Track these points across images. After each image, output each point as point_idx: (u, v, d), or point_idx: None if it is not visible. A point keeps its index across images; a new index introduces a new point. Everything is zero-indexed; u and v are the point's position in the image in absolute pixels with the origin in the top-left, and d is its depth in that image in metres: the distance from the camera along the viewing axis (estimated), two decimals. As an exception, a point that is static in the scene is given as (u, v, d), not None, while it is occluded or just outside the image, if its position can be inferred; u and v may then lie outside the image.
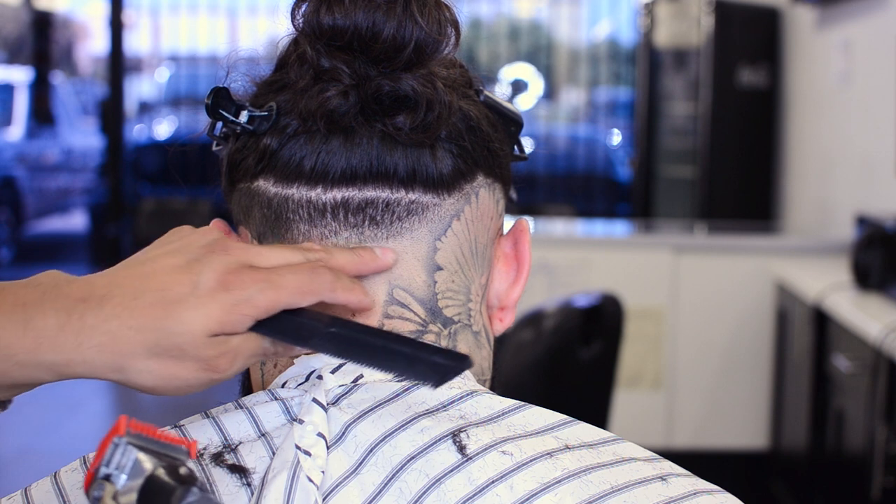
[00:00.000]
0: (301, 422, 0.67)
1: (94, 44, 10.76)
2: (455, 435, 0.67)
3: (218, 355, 0.63)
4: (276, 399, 0.70)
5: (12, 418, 4.60)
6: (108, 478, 0.56)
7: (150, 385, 0.63)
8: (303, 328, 0.65)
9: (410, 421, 0.68)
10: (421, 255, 0.73)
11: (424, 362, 0.64)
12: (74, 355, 0.62)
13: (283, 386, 0.71)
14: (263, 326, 0.64)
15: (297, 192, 0.72)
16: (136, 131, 8.14)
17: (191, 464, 0.59)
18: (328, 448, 0.67)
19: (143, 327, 0.62)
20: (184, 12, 7.85)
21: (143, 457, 0.57)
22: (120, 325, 0.62)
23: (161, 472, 0.56)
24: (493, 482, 0.65)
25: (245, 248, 0.66)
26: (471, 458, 0.66)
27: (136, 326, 0.62)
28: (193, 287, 0.63)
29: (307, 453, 0.66)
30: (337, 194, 0.71)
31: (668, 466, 0.70)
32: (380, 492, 0.66)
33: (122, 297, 0.62)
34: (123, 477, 0.56)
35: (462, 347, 0.75)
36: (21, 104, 8.77)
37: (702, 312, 3.81)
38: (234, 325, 0.63)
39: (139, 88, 8.59)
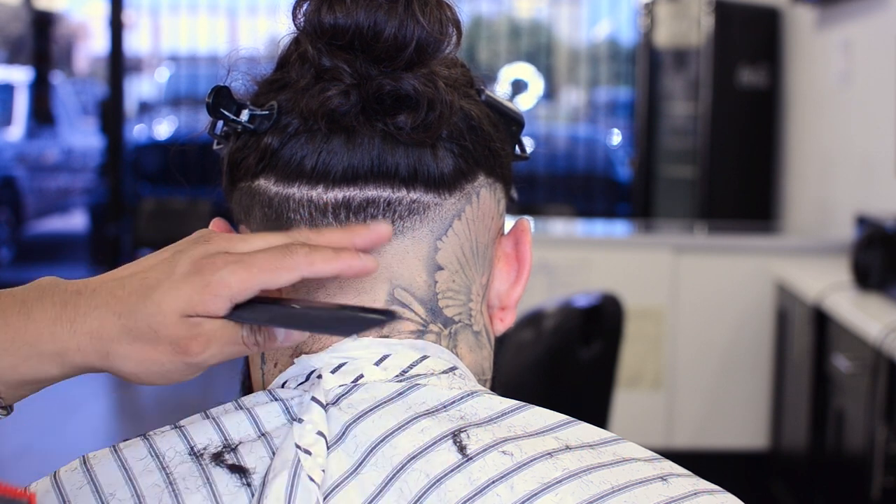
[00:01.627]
0: (300, 421, 0.67)
1: (94, 44, 10.75)
2: (455, 435, 0.67)
3: (189, 337, 0.64)
4: (275, 399, 0.70)
5: (12, 418, 4.58)
6: None
7: (131, 370, 0.65)
8: (269, 311, 0.66)
9: (411, 421, 0.68)
10: (422, 255, 0.73)
11: (361, 321, 0.66)
12: (70, 343, 0.65)
13: (282, 386, 0.71)
14: (239, 315, 0.65)
15: (298, 191, 0.72)
16: (136, 131, 8.14)
17: None
18: (328, 448, 0.67)
19: (123, 312, 0.64)
20: (184, 12, 7.85)
21: None
22: (106, 311, 0.65)
23: None
24: (493, 482, 0.65)
25: (228, 237, 0.67)
26: (471, 459, 0.66)
27: (118, 312, 0.64)
28: (170, 273, 0.65)
29: (307, 452, 0.66)
30: (338, 194, 0.71)
31: (669, 466, 0.70)
32: (380, 492, 0.66)
33: (111, 288, 0.66)
34: None
35: (462, 347, 0.75)
36: (21, 104, 8.77)
37: (702, 312, 3.81)
38: (205, 306, 0.64)
39: (139, 88, 8.58)
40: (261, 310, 0.65)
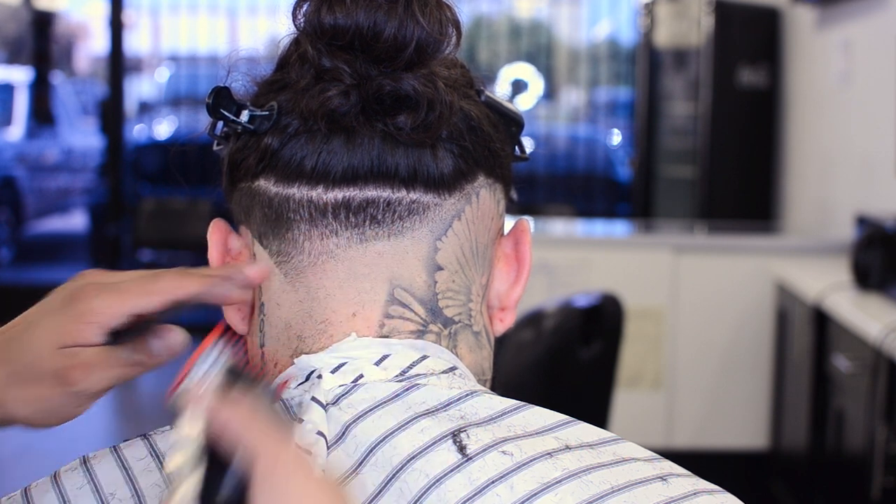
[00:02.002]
0: (301, 421, 0.67)
1: (94, 44, 10.75)
2: (455, 435, 0.67)
3: (69, 367, 0.65)
4: (276, 399, 0.70)
5: (12, 418, 4.58)
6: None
7: (24, 414, 0.67)
8: (137, 329, 0.68)
9: (410, 421, 0.68)
10: (422, 255, 0.73)
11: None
12: None
13: (283, 386, 0.72)
14: (116, 339, 0.67)
15: (297, 191, 0.72)
16: (136, 131, 8.13)
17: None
18: (328, 448, 0.67)
19: (7, 359, 0.67)
20: (184, 12, 7.84)
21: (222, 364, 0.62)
22: None
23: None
24: (493, 482, 0.65)
25: (103, 272, 0.69)
26: (471, 458, 0.66)
27: (3, 360, 0.67)
28: (45, 311, 0.67)
29: (307, 452, 0.66)
30: (338, 194, 0.71)
31: (669, 466, 0.70)
32: (380, 492, 0.66)
33: (0, 341, 0.68)
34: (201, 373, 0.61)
35: (462, 347, 0.75)
36: (21, 104, 8.76)
37: (702, 312, 3.81)
38: (79, 335, 0.66)
39: (139, 88, 8.57)
40: (133, 330, 0.67)
